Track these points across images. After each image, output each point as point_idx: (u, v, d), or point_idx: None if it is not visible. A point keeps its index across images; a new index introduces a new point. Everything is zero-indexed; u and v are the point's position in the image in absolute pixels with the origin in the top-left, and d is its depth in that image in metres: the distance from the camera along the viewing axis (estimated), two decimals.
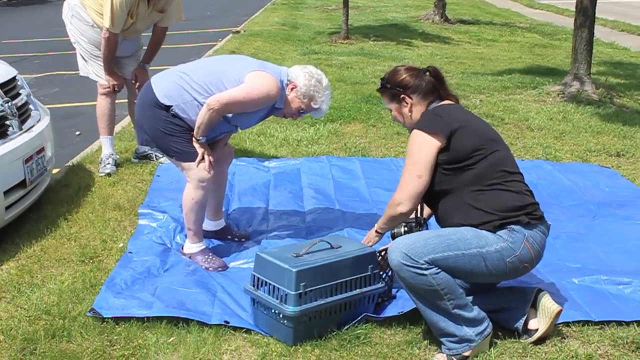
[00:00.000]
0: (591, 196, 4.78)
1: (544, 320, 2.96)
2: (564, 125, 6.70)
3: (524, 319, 2.99)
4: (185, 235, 3.81)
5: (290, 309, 2.87)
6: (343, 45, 12.15)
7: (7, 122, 4.05)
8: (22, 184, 4.05)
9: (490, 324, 2.91)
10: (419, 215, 3.22)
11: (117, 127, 6.13)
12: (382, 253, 3.21)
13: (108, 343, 2.95)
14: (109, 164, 5.18)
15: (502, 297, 3.11)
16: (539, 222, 2.93)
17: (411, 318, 3.10)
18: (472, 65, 10.37)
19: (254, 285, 3.06)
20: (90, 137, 6.20)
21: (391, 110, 3.22)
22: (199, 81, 3.53)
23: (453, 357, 2.86)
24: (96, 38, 5.02)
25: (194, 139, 3.57)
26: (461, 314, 2.82)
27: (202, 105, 3.49)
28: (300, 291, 2.87)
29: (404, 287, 2.87)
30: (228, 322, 3.08)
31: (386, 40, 12.81)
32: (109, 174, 5.09)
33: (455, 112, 3.06)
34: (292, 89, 3.61)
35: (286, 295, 2.89)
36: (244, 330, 3.06)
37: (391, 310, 3.18)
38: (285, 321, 2.91)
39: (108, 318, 3.10)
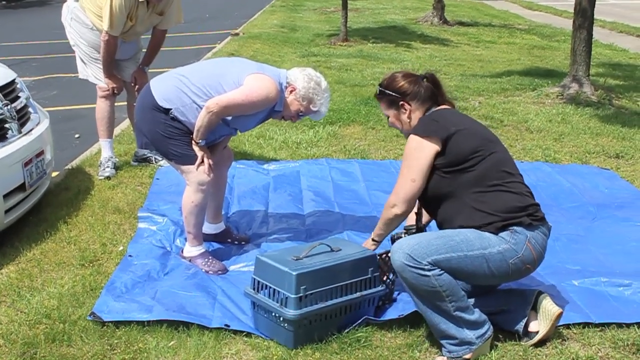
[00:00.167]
0: (590, 198, 4.78)
1: (545, 323, 2.96)
2: (563, 127, 6.71)
3: (524, 321, 2.99)
4: (185, 239, 3.81)
5: (290, 312, 2.86)
6: (342, 47, 12.16)
7: (7, 126, 4.05)
8: (21, 187, 4.04)
9: (491, 327, 2.91)
10: (418, 222, 3.24)
11: (117, 130, 6.13)
12: (383, 256, 3.21)
13: (108, 347, 2.94)
14: (108, 167, 5.18)
15: (503, 300, 3.11)
16: (541, 223, 2.94)
17: (412, 321, 3.10)
18: (471, 67, 10.38)
19: (254, 289, 3.06)
20: (89, 140, 6.19)
21: (388, 117, 3.23)
22: (197, 84, 3.53)
23: None
24: (95, 41, 5.02)
25: (193, 142, 3.57)
26: (462, 317, 2.82)
27: (201, 108, 3.49)
28: (301, 294, 2.87)
29: (406, 287, 2.88)
30: (228, 326, 3.08)
31: (385, 42, 12.82)
32: (108, 177, 5.09)
33: (451, 115, 3.08)
34: (291, 91, 3.61)
35: (286, 298, 2.88)
36: (244, 333, 3.06)
37: (391, 313, 3.18)
38: (285, 324, 2.90)
39: (108, 322, 3.09)
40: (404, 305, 3.22)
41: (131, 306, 3.20)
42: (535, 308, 3.02)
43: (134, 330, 3.05)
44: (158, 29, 5.24)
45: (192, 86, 3.53)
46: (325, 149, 5.92)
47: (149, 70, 5.31)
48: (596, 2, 8.08)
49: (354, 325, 3.06)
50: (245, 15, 18.53)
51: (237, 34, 14.04)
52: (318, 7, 20.69)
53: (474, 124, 3.12)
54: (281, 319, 2.90)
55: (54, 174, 5.02)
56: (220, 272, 3.66)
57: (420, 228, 3.19)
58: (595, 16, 8.16)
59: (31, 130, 4.31)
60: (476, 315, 2.86)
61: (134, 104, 3.88)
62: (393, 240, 3.10)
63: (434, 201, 3.05)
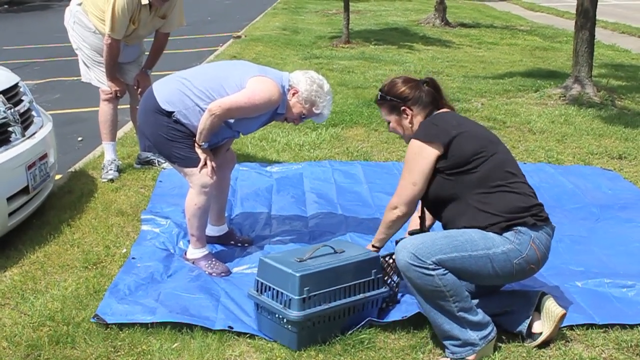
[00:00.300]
0: (593, 199, 4.77)
1: (548, 324, 2.96)
2: (566, 128, 6.71)
3: (527, 322, 2.99)
4: (188, 241, 3.81)
5: (294, 313, 2.87)
6: (344, 49, 12.17)
7: (10, 129, 4.06)
8: (25, 190, 4.05)
9: (495, 328, 2.91)
10: (422, 226, 3.25)
11: (120, 133, 6.14)
12: (387, 258, 3.22)
13: (112, 349, 2.95)
14: (111, 169, 5.18)
15: (506, 301, 3.11)
16: (545, 224, 2.95)
17: (415, 322, 3.10)
18: (473, 68, 10.38)
19: (257, 290, 3.06)
20: (92, 143, 6.20)
21: (389, 122, 3.24)
22: (200, 87, 3.53)
23: None
24: (98, 44, 5.03)
25: (196, 144, 3.57)
26: (466, 317, 2.82)
27: (203, 110, 3.49)
28: (304, 296, 2.87)
29: (410, 287, 2.88)
30: (232, 328, 3.08)
31: (387, 44, 12.82)
32: (111, 180, 5.10)
33: (452, 118, 3.10)
34: (293, 94, 3.61)
35: (290, 300, 2.89)
36: (247, 335, 3.06)
37: (395, 315, 3.18)
38: (289, 326, 2.91)
39: (112, 324, 3.10)
40: (407, 306, 3.22)
41: (135, 308, 3.21)
42: (538, 309, 3.02)
43: (137, 332, 3.05)
44: (161, 32, 5.25)
45: (194, 89, 3.53)
46: (328, 151, 5.92)
47: (152, 73, 5.33)
48: (598, 3, 8.08)
49: (357, 326, 3.06)
50: (247, 17, 18.55)
51: (239, 37, 14.05)
52: (320, 10, 20.71)
53: (474, 126, 3.13)
54: (284, 320, 2.91)
55: (57, 176, 5.03)
56: (223, 274, 3.66)
57: (424, 232, 3.20)
58: (597, 17, 8.16)
59: (34, 133, 4.32)
60: (480, 316, 2.87)
61: (137, 107, 3.89)
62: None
63: (438, 204, 3.06)
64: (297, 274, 2.87)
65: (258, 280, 3.06)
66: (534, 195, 3.03)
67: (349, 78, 9.27)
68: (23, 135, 4.15)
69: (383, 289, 3.14)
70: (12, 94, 4.29)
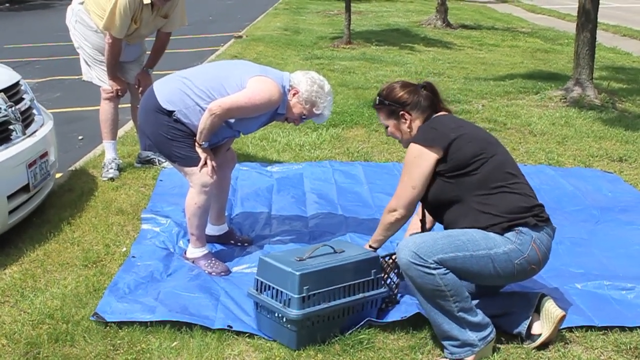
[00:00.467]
0: (594, 201, 4.78)
1: (547, 325, 2.96)
2: (567, 130, 6.71)
3: (527, 323, 2.99)
4: (188, 240, 3.81)
5: (293, 312, 2.87)
6: (345, 50, 12.17)
7: (11, 127, 4.06)
8: (25, 189, 4.05)
9: (494, 330, 2.91)
10: (423, 229, 3.25)
11: (120, 132, 6.14)
12: (386, 258, 3.22)
13: (111, 347, 2.95)
14: (112, 168, 5.19)
15: (506, 302, 3.12)
16: (546, 224, 2.95)
17: (414, 323, 3.10)
18: (474, 70, 10.38)
19: (257, 289, 3.07)
20: (93, 141, 6.21)
21: (387, 127, 3.25)
22: (201, 86, 3.54)
23: None
24: (100, 43, 5.04)
25: (196, 144, 3.58)
26: (465, 318, 2.82)
27: (204, 110, 3.50)
28: (304, 295, 2.87)
29: (410, 286, 2.88)
30: (231, 327, 3.08)
31: (388, 45, 12.82)
32: (111, 179, 5.10)
33: (450, 121, 3.11)
34: (294, 94, 3.62)
35: (289, 299, 2.89)
36: (247, 334, 3.07)
37: (394, 315, 3.18)
38: (288, 325, 2.91)
39: (111, 322, 3.10)
40: (406, 307, 3.23)
41: (134, 307, 3.21)
42: (538, 311, 3.02)
43: (136, 331, 3.05)
44: (162, 31, 5.25)
45: (195, 88, 3.54)
46: (329, 152, 5.93)
47: (153, 73, 5.33)
48: (600, 6, 8.08)
49: (356, 326, 3.06)
50: (248, 18, 18.56)
51: (240, 37, 14.06)
52: (321, 10, 20.72)
53: (473, 128, 3.14)
54: (284, 319, 2.91)
55: (58, 175, 5.03)
56: (223, 274, 3.66)
57: None
58: (598, 19, 8.16)
59: (35, 131, 4.32)
60: (479, 317, 2.87)
61: (138, 106, 3.89)
62: None
63: (439, 206, 3.07)
64: (297, 273, 2.87)
65: (258, 279, 3.06)
66: (535, 195, 3.04)
67: (349, 79, 9.28)
68: (24, 134, 4.16)
69: (382, 289, 3.14)
70: (13, 92, 4.29)
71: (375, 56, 11.39)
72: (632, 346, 3.01)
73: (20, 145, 4.04)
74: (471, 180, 2.94)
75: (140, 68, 5.32)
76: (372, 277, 3.09)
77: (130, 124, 6.29)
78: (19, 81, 4.46)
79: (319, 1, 23.73)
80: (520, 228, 2.88)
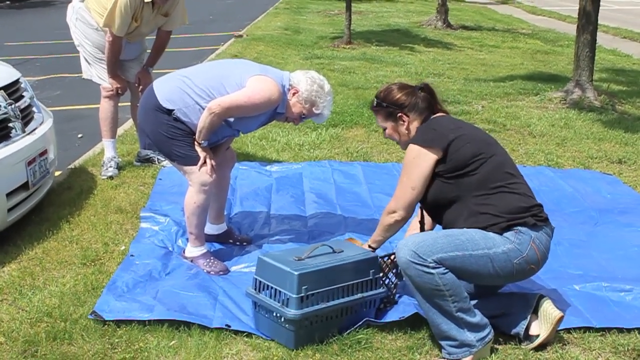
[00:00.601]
0: (593, 203, 4.78)
1: (545, 326, 2.96)
2: (566, 132, 6.71)
3: (525, 324, 3.00)
4: (187, 239, 3.81)
5: (291, 312, 2.87)
6: (345, 50, 12.17)
7: (10, 125, 4.06)
8: (24, 186, 4.05)
9: (492, 331, 2.92)
10: (422, 231, 3.25)
11: (120, 130, 6.14)
12: (385, 259, 3.22)
13: (109, 346, 2.95)
14: (111, 167, 5.19)
15: (504, 303, 3.12)
16: (545, 224, 2.96)
17: (412, 323, 3.10)
18: (474, 71, 10.38)
19: (255, 289, 3.07)
20: (92, 140, 6.20)
21: (385, 129, 3.25)
22: (200, 85, 3.54)
23: None
24: (100, 41, 5.04)
25: (196, 142, 3.58)
26: (464, 318, 2.83)
27: (203, 109, 3.49)
28: (302, 294, 2.87)
29: (409, 285, 2.88)
30: (229, 326, 3.08)
31: (388, 45, 12.83)
32: (111, 177, 5.10)
33: (448, 122, 3.12)
34: (293, 94, 3.61)
35: (288, 298, 2.89)
36: (245, 334, 3.07)
37: (392, 316, 3.18)
38: (286, 325, 2.91)
39: (109, 321, 3.10)
40: (404, 307, 3.23)
41: (132, 305, 3.21)
42: (536, 311, 3.02)
43: (134, 330, 3.05)
44: (163, 30, 5.25)
45: (195, 87, 3.54)
46: (328, 151, 5.93)
47: (153, 71, 5.33)
48: (600, 8, 8.08)
49: (354, 326, 3.06)
50: (248, 17, 18.56)
51: (240, 36, 14.06)
52: (322, 10, 20.72)
53: (471, 129, 3.14)
54: (282, 319, 2.91)
55: (57, 173, 5.03)
56: (221, 273, 3.66)
57: None
58: (599, 21, 8.17)
59: (35, 129, 4.32)
60: (478, 317, 2.87)
61: (138, 105, 3.89)
62: None
63: (438, 207, 3.07)
64: (296, 273, 2.87)
65: (256, 279, 3.06)
66: (534, 195, 3.05)
67: (349, 79, 9.28)
68: (23, 131, 4.16)
69: (381, 289, 3.14)
70: (13, 90, 4.29)
71: (376, 56, 11.40)
72: (630, 348, 3.01)
73: (20, 143, 4.03)
74: (470, 181, 2.95)
75: (140, 66, 5.32)
76: (371, 277, 3.09)
77: (130, 122, 6.29)
78: (18, 79, 4.46)
79: (319, 1, 23.73)
80: (519, 228, 2.88)
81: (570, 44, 12.31)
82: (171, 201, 4.53)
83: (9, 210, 3.92)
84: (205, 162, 3.56)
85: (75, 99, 8.09)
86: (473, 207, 2.94)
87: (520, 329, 3.00)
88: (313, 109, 3.64)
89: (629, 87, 9.22)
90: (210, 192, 3.65)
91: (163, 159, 5.30)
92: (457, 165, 2.96)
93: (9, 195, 3.89)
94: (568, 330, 3.11)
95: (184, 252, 3.83)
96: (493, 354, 2.93)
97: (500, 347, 2.99)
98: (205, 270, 3.65)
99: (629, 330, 3.13)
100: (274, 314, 2.95)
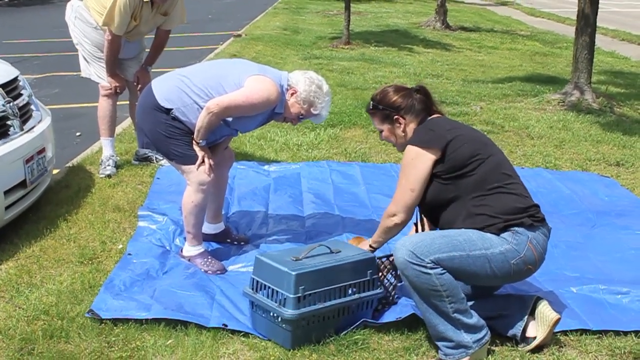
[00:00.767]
0: (590, 205, 4.78)
1: (542, 328, 2.97)
2: (564, 134, 6.72)
3: (522, 326, 3.00)
4: (185, 238, 3.81)
5: (288, 312, 2.87)
6: (344, 50, 12.18)
7: (9, 123, 4.06)
8: (22, 184, 4.05)
9: (489, 332, 2.92)
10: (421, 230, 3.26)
11: (118, 129, 6.14)
12: (383, 259, 3.22)
13: (106, 344, 2.95)
14: (109, 165, 5.18)
15: (501, 304, 3.12)
16: (541, 224, 2.97)
17: (409, 324, 3.10)
18: (472, 72, 10.39)
19: (252, 289, 3.07)
20: (90, 138, 6.20)
21: (381, 131, 3.26)
22: (199, 84, 3.54)
23: None
24: (99, 40, 5.04)
25: (194, 142, 3.57)
26: (461, 319, 2.83)
27: (202, 108, 3.49)
28: (299, 294, 2.87)
29: (407, 286, 2.88)
30: (226, 325, 3.08)
31: (387, 46, 12.83)
32: (109, 176, 5.10)
33: (445, 123, 3.13)
34: (292, 94, 3.62)
35: (285, 298, 2.89)
36: (242, 333, 3.07)
37: (389, 316, 3.18)
38: (283, 325, 2.91)
39: (106, 319, 3.10)
40: (402, 308, 3.23)
41: (129, 304, 3.21)
42: (533, 313, 3.02)
43: (131, 328, 3.05)
44: (162, 29, 5.25)
45: (193, 87, 3.54)
46: (326, 152, 5.93)
47: (152, 70, 5.33)
48: (599, 10, 8.09)
49: (351, 327, 3.06)
50: (247, 17, 18.56)
51: (239, 36, 14.06)
52: (321, 10, 20.72)
53: (468, 129, 3.15)
54: (279, 319, 2.91)
55: (55, 171, 5.03)
56: (219, 272, 3.66)
57: None
58: (597, 24, 8.18)
59: (33, 127, 4.31)
60: (475, 319, 2.87)
61: (136, 104, 3.89)
62: None
63: (436, 208, 3.07)
64: (293, 273, 2.87)
65: (253, 279, 3.06)
66: (530, 196, 3.05)
67: (348, 79, 9.28)
68: (21, 129, 4.15)
69: (378, 290, 3.14)
70: (11, 88, 4.29)
71: (374, 57, 11.40)
72: (626, 350, 3.01)
73: (18, 141, 4.03)
74: (467, 182, 2.95)
75: (139, 65, 5.31)
76: (368, 278, 3.09)
77: (128, 121, 6.29)
78: (17, 77, 4.46)
79: (318, 1, 23.74)
80: (516, 228, 2.89)
81: (568, 46, 12.32)
82: (169, 200, 4.53)
83: (7, 208, 3.91)
84: (203, 161, 3.56)
85: (73, 97, 8.08)
86: (470, 208, 2.94)
87: (517, 330, 3.01)
88: (311, 109, 3.64)
89: (627, 90, 9.23)
90: (208, 192, 3.65)
91: (161, 158, 5.30)
92: (454, 165, 2.96)
93: (7, 193, 3.89)
94: (565, 333, 3.12)
95: (181, 251, 3.83)
96: (490, 356, 2.93)
97: (497, 348, 2.99)
98: (202, 270, 3.65)
99: (625, 333, 3.14)
100: (271, 314, 2.95)
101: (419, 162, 2.99)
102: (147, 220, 4.21)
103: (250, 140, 6.11)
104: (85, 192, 4.76)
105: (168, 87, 3.58)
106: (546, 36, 15.55)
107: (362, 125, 6.74)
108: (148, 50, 5.39)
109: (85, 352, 2.89)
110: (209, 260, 3.71)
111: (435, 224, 3.18)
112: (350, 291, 3.04)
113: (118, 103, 5.32)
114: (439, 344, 2.90)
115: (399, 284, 3.28)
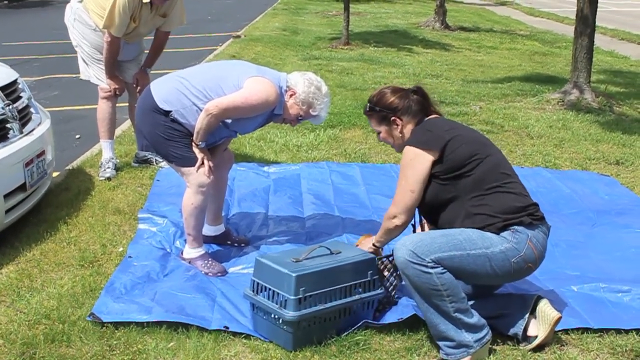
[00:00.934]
0: (590, 204, 4.78)
1: (543, 327, 2.97)
2: (564, 133, 6.72)
3: (523, 325, 3.00)
4: (185, 240, 3.81)
5: (289, 313, 2.87)
6: (343, 51, 12.18)
7: (8, 126, 4.05)
8: (22, 188, 4.04)
9: (490, 331, 2.92)
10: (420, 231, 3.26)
11: (118, 131, 6.13)
12: (383, 260, 3.22)
13: (107, 348, 2.95)
14: (109, 167, 5.18)
15: (502, 303, 3.12)
16: (541, 223, 2.97)
17: (410, 325, 3.10)
18: (472, 72, 10.39)
19: (253, 290, 3.06)
20: (90, 140, 6.20)
21: (379, 133, 3.26)
22: (198, 86, 3.54)
23: None
24: (98, 42, 5.03)
25: (193, 144, 3.57)
26: (461, 319, 2.83)
27: (201, 110, 3.49)
28: (300, 296, 2.87)
29: (407, 285, 2.89)
30: (227, 328, 3.08)
31: (387, 46, 12.84)
32: (109, 178, 5.09)
33: (443, 123, 3.13)
34: (291, 95, 3.61)
35: (286, 300, 2.89)
36: (243, 335, 3.06)
37: (390, 317, 3.18)
38: (284, 326, 2.91)
39: (107, 323, 3.09)
40: (403, 308, 3.23)
41: (130, 307, 3.20)
42: (534, 312, 3.03)
43: (133, 332, 3.05)
44: (161, 30, 5.25)
45: (192, 88, 3.53)
46: (326, 152, 5.93)
47: (151, 72, 5.32)
48: (598, 9, 8.10)
49: (353, 328, 3.06)
50: (247, 17, 18.56)
51: (238, 37, 14.06)
52: (320, 11, 20.73)
53: (466, 130, 3.15)
54: (280, 320, 2.91)
55: (55, 174, 5.02)
56: (219, 274, 3.66)
57: None
58: (596, 23, 8.18)
59: (32, 130, 4.31)
60: (475, 318, 2.87)
61: (136, 106, 3.89)
62: None
63: (435, 209, 3.07)
64: (294, 274, 2.87)
65: (254, 280, 3.06)
66: (529, 194, 3.06)
67: (347, 79, 9.28)
68: (21, 132, 4.15)
69: (379, 291, 3.14)
70: (10, 90, 4.29)
71: (374, 57, 11.40)
72: (627, 349, 3.02)
73: (17, 144, 4.03)
74: (466, 182, 2.96)
75: (138, 67, 5.31)
76: (369, 279, 3.09)
77: (128, 123, 6.29)
78: (16, 79, 4.46)
79: (317, 2, 23.75)
80: (516, 227, 2.89)
81: (568, 45, 12.33)
82: (169, 202, 4.52)
83: (7, 211, 3.91)
84: (202, 163, 3.56)
85: (73, 99, 8.08)
86: (469, 208, 2.94)
87: (518, 329, 3.01)
88: (310, 110, 3.64)
89: (627, 89, 9.23)
90: (208, 194, 3.65)
91: (161, 160, 5.30)
92: (453, 166, 2.96)
93: (7, 196, 3.88)
94: (566, 331, 3.12)
95: (181, 253, 3.82)
96: (491, 355, 2.93)
97: (498, 347, 2.99)
98: (203, 272, 3.65)
99: (626, 331, 3.14)
100: (272, 316, 2.95)
101: (417, 163, 2.99)
102: (148, 222, 4.21)
103: (250, 141, 6.11)
104: (85, 195, 4.76)
105: (167, 89, 3.58)
106: (545, 36, 15.56)
107: (362, 126, 6.74)
108: (147, 52, 5.39)
109: (87, 356, 2.89)
110: (210, 262, 3.71)
111: (434, 225, 3.17)
112: (351, 292, 3.04)
113: (117, 105, 5.32)
114: (440, 343, 2.90)
115: (399, 284, 3.28)
